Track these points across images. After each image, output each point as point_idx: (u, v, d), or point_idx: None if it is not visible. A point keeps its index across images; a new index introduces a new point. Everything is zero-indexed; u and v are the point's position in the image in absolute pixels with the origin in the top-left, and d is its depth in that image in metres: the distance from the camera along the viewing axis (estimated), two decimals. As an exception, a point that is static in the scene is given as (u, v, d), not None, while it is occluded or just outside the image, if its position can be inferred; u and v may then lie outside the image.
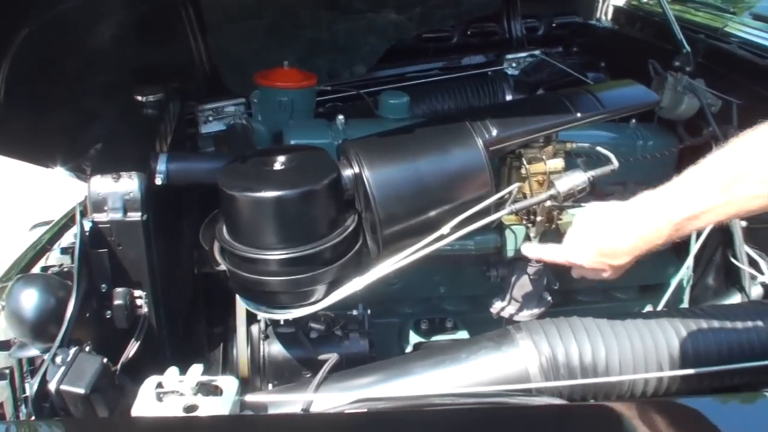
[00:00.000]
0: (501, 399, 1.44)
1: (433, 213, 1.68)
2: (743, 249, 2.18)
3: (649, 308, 2.42)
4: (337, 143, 1.87)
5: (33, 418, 1.28)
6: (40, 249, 2.09)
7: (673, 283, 2.24)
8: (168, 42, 2.59)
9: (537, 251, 1.61)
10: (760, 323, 1.74)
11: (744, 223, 2.19)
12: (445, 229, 1.61)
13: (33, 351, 1.45)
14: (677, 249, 2.41)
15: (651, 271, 2.54)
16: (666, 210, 1.33)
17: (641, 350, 1.62)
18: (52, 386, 1.28)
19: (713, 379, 1.64)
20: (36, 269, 1.87)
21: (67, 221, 2.21)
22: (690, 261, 2.25)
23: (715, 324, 1.70)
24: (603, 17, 3.51)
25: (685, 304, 2.36)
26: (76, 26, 2.04)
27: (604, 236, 1.43)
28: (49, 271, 1.61)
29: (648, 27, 3.01)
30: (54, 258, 1.97)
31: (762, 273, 2.11)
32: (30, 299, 1.43)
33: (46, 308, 1.43)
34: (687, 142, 2.38)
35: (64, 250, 1.96)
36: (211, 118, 2.54)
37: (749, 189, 1.21)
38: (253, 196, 1.51)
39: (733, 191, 1.23)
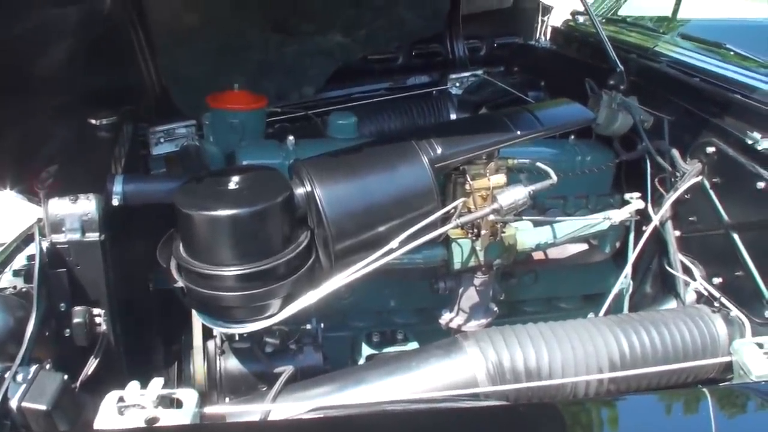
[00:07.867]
0: (450, 404, 1.50)
1: (382, 228, 1.73)
2: (677, 257, 2.28)
3: (590, 316, 2.49)
4: (289, 163, 1.92)
5: (-7, 436, 1.30)
6: (-8, 272, 2.08)
7: (613, 291, 2.32)
8: (118, 64, 2.60)
9: None
10: (692, 326, 1.85)
11: (677, 233, 2.29)
12: (394, 244, 1.68)
13: (-7, 370, 1.46)
14: (616, 259, 2.52)
15: (592, 280, 2.64)
16: None
17: (582, 354, 1.71)
18: (13, 403, 1.30)
19: (650, 379, 1.74)
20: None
21: (19, 244, 2.20)
22: (628, 270, 2.33)
23: (651, 329, 1.80)
24: (542, 38, 3.63)
25: (625, 312, 2.45)
26: (26, 50, 2.05)
27: None
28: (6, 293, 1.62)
29: (584, 47, 3.12)
30: (6, 280, 1.96)
31: (695, 279, 2.19)
32: (-12, 320, 1.44)
33: (5, 328, 1.45)
34: (623, 157, 2.48)
35: (16, 273, 1.96)
36: (162, 140, 2.56)
37: None
38: (209, 215, 1.56)
39: None
